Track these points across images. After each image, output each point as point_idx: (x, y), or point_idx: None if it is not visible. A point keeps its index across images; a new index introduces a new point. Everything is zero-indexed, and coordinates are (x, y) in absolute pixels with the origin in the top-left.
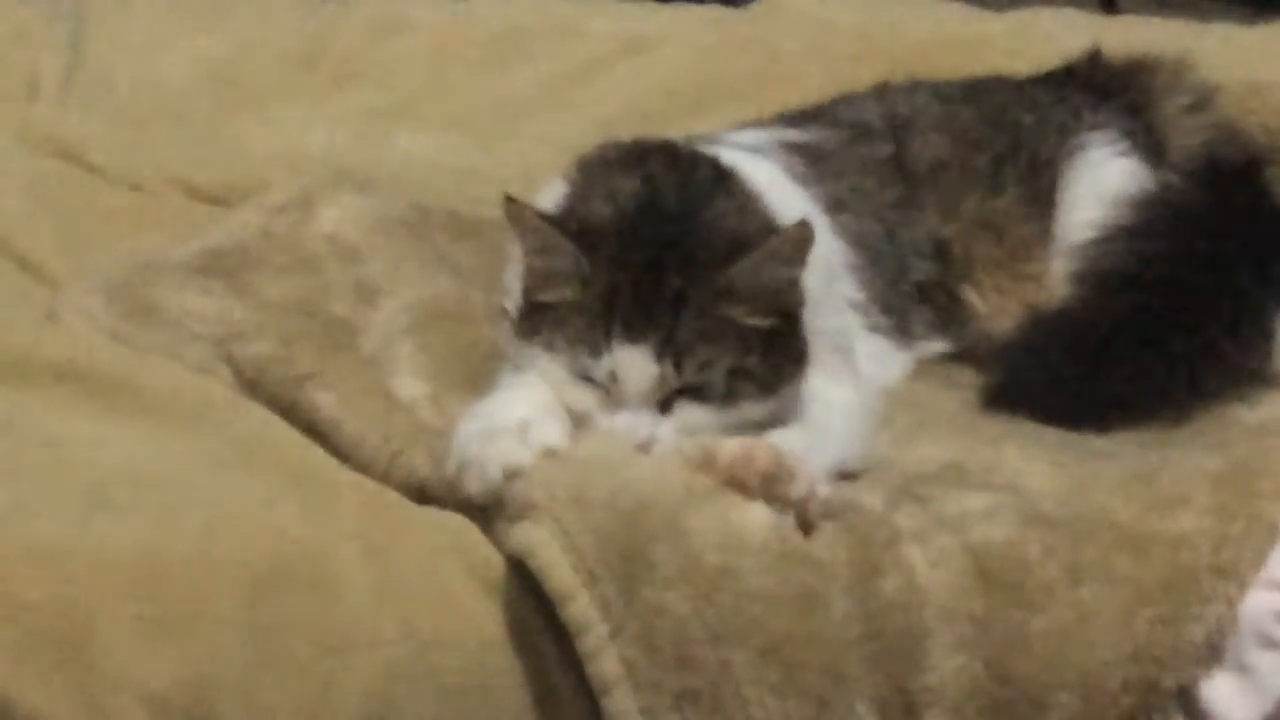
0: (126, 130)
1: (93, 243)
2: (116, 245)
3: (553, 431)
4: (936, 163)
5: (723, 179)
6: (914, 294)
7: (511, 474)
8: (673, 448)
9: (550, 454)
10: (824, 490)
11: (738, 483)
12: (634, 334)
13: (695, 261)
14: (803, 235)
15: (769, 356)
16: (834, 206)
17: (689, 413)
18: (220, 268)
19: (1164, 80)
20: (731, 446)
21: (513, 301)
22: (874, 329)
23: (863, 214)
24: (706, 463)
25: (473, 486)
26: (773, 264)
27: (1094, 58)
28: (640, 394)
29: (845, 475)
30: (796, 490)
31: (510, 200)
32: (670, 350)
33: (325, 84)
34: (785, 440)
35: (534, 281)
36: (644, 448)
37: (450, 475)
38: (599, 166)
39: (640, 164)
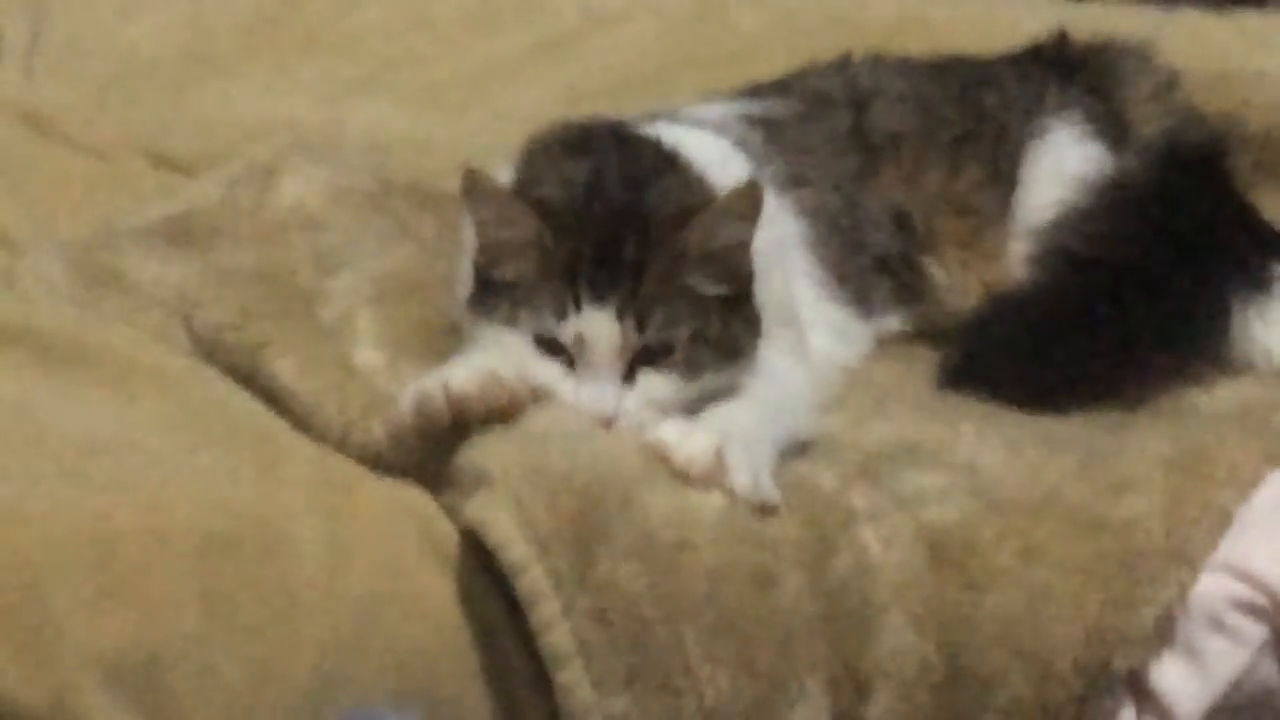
0: (91, 97)
1: (55, 208)
2: (79, 211)
3: (502, 367)
4: (897, 135)
5: (665, 158)
6: (874, 267)
7: (449, 391)
8: (636, 421)
9: (493, 376)
10: (767, 472)
11: (683, 472)
12: (599, 294)
13: (650, 231)
14: (752, 193)
15: (727, 324)
16: (791, 180)
17: (652, 384)
18: (181, 235)
19: (1129, 65)
20: (673, 431)
21: (464, 286)
22: (833, 299)
23: (821, 187)
24: (654, 449)
25: (415, 406)
26: (724, 223)
27: (1060, 40)
28: (605, 358)
29: (798, 451)
30: (737, 479)
31: (471, 171)
32: (633, 310)
33: (291, 53)
34: (735, 415)
35: (490, 256)
36: (609, 421)
37: (399, 412)
38: (543, 150)
39: (584, 147)
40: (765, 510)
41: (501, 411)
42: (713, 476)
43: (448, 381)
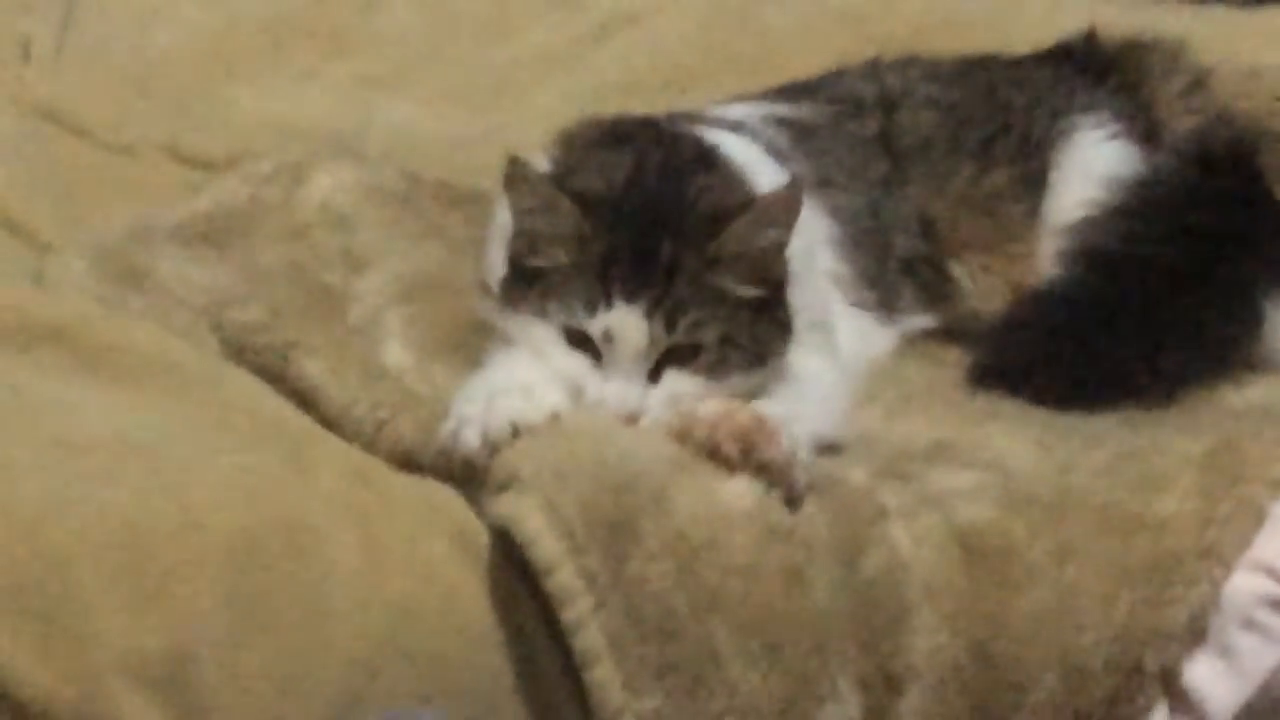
0: (119, 96)
1: (83, 207)
2: (107, 210)
3: (556, 395)
4: (925, 139)
5: (706, 156)
6: (900, 270)
7: (518, 429)
8: (660, 418)
9: (554, 417)
10: (805, 453)
11: (716, 447)
12: (630, 292)
13: (686, 230)
14: (792, 195)
15: (757, 327)
16: (819, 182)
17: (678, 383)
18: (209, 234)
19: (1159, 62)
20: (712, 405)
21: (495, 276)
22: (858, 303)
23: (849, 189)
24: (688, 425)
25: (471, 442)
26: (763, 226)
27: (1089, 38)
28: (633, 354)
29: (829, 450)
30: (777, 451)
31: (515, 159)
32: (663, 309)
33: (318, 52)
34: (767, 408)
35: (527, 245)
36: (633, 417)
37: (445, 436)
38: (582, 143)
39: (624, 141)
40: (792, 498)
41: None
42: (748, 438)
43: (514, 419)
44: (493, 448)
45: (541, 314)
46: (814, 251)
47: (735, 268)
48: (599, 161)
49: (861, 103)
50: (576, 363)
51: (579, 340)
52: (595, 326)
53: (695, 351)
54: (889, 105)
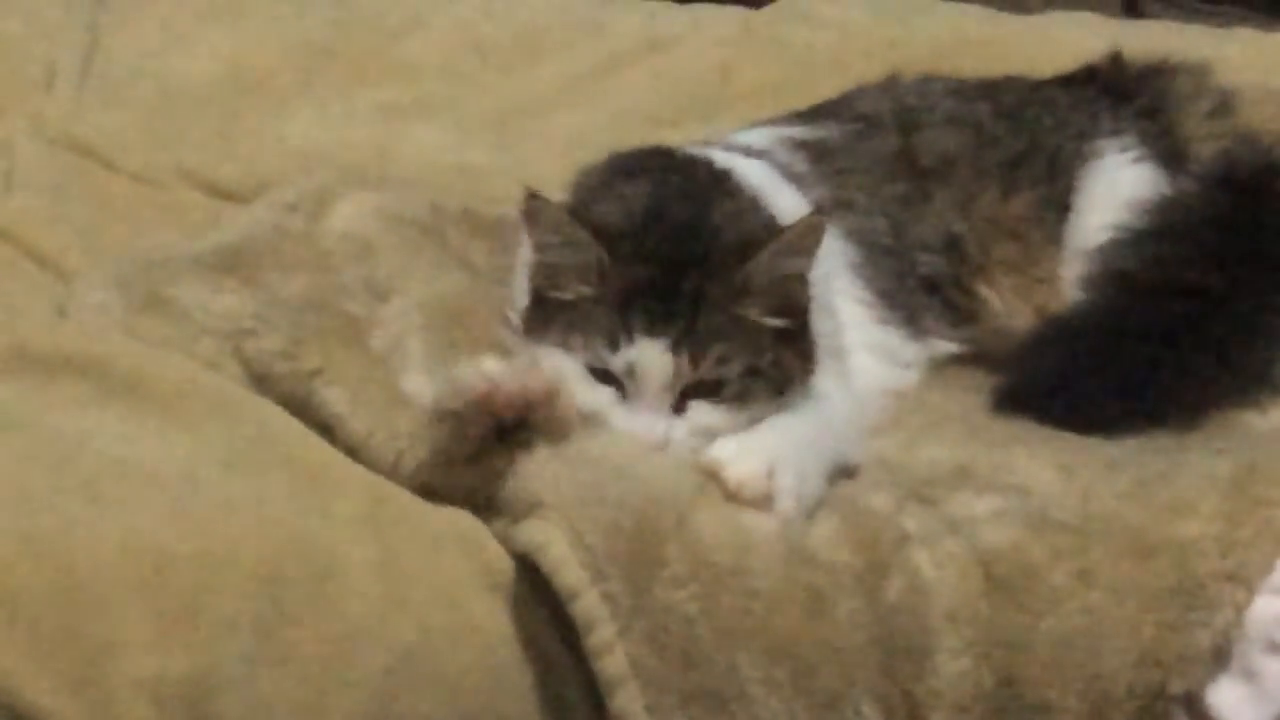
0: (143, 125)
1: (107, 237)
2: (131, 240)
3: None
4: (947, 158)
5: (722, 184)
6: (923, 289)
7: (491, 376)
8: (686, 448)
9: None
10: (812, 486)
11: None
12: (653, 328)
13: (711, 261)
14: (815, 224)
15: (781, 357)
16: (838, 204)
17: (702, 413)
18: (232, 263)
19: (1184, 85)
20: (732, 479)
21: (518, 306)
22: (883, 322)
23: (868, 210)
24: (710, 475)
25: (449, 397)
26: (787, 256)
27: (1115, 61)
28: (657, 389)
29: (850, 474)
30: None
31: (532, 195)
32: (688, 344)
33: (342, 81)
34: (787, 434)
35: (548, 279)
36: (658, 448)
37: (439, 396)
38: (597, 175)
39: (639, 172)
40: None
41: (539, 403)
42: (763, 500)
43: (482, 365)
44: (489, 382)
45: (564, 347)
46: (830, 276)
47: (760, 298)
48: (615, 193)
49: (879, 121)
50: (601, 395)
51: (603, 374)
52: (618, 362)
53: (720, 384)
54: (908, 123)
